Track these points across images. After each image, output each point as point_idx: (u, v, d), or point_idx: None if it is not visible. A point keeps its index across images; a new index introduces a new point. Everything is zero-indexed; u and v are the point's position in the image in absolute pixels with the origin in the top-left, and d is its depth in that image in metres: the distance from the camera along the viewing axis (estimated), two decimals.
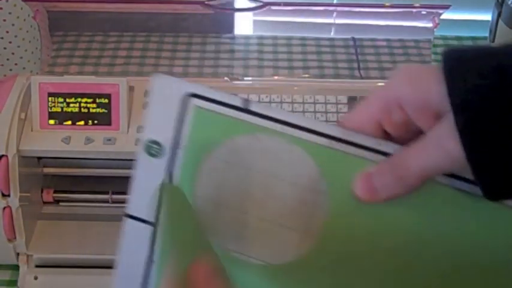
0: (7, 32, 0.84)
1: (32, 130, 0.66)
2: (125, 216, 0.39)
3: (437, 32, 0.78)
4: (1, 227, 0.64)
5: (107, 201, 0.70)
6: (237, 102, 0.37)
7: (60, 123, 0.66)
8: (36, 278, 0.67)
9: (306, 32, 0.83)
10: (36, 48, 0.86)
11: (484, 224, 0.36)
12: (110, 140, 0.65)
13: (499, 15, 0.85)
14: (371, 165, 0.36)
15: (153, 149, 0.38)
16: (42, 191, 0.71)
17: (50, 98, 0.66)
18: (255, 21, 0.87)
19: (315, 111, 0.69)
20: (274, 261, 0.37)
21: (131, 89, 0.68)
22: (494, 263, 0.36)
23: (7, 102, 0.66)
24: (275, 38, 0.84)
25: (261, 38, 0.84)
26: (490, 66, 0.32)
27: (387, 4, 0.76)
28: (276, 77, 0.78)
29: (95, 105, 0.66)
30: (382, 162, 0.36)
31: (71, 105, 0.66)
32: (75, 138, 0.65)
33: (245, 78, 0.73)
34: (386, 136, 0.37)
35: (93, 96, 0.66)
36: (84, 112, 0.66)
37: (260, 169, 0.37)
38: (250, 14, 0.84)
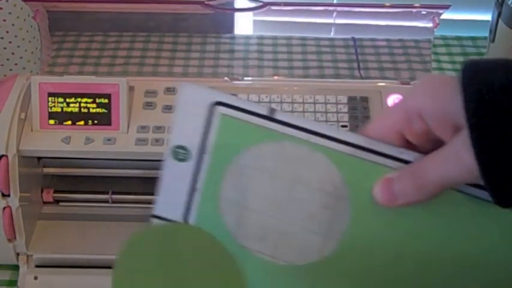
0: (7, 32, 0.84)
1: (32, 130, 0.66)
2: (151, 217, 0.41)
3: (437, 32, 0.78)
4: (1, 227, 0.64)
5: (107, 201, 0.70)
6: (263, 111, 0.38)
7: (60, 123, 0.66)
8: (36, 278, 0.67)
9: (306, 32, 0.83)
10: (36, 48, 0.86)
11: (503, 231, 0.37)
12: (109, 140, 0.65)
13: (499, 15, 0.84)
14: (392, 172, 0.37)
15: (180, 154, 0.40)
16: (42, 191, 0.71)
17: (50, 98, 0.66)
18: (255, 21, 0.87)
19: (315, 111, 0.68)
20: (297, 262, 0.39)
21: (131, 89, 0.68)
22: None
23: (7, 102, 0.66)
24: (275, 38, 0.84)
25: (261, 38, 0.84)
26: (508, 80, 0.33)
27: (387, 4, 0.76)
28: (276, 77, 0.78)
29: (94, 105, 0.66)
30: (402, 169, 0.37)
31: (71, 105, 0.66)
32: (75, 138, 0.65)
33: (245, 78, 0.73)
34: (408, 145, 0.38)
35: (93, 96, 0.66)
36: (84, 112, 0.66)
37: (285, 175, 0.38)
38: (250, 14, 0.84)
